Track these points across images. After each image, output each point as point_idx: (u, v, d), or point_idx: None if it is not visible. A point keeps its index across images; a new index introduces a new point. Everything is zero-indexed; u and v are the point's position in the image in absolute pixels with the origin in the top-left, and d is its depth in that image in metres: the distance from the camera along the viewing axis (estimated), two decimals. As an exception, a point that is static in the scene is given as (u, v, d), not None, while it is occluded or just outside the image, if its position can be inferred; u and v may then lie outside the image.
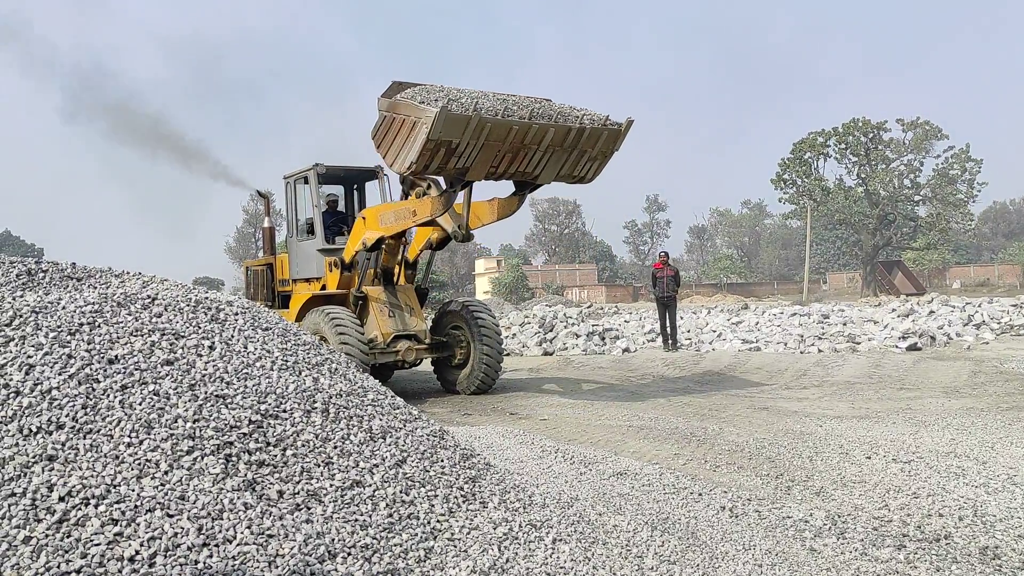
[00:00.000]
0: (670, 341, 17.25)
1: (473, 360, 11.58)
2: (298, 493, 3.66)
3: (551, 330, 20.20)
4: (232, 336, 4.74)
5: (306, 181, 12.37)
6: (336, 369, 5.03)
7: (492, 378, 11.59)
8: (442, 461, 4.56)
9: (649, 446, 7.63)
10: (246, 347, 4.68)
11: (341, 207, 13.42)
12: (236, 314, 5.06)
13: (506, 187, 9.99)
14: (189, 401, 3.94)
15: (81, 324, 4.24)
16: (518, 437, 8.08)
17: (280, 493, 3.61)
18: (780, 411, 9.62)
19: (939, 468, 6.58)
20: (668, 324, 17.34)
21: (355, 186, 13.65)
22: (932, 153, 54.06)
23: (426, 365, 13.32)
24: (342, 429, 4.33)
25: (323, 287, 11.89)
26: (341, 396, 4.65)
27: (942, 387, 11.46)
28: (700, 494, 5.85)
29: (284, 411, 4.22)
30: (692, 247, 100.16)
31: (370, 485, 3.97)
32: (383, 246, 11.23)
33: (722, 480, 6.34)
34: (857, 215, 55.26)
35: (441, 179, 9.99)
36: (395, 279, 12.01)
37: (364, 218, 11.21)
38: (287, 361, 4.76)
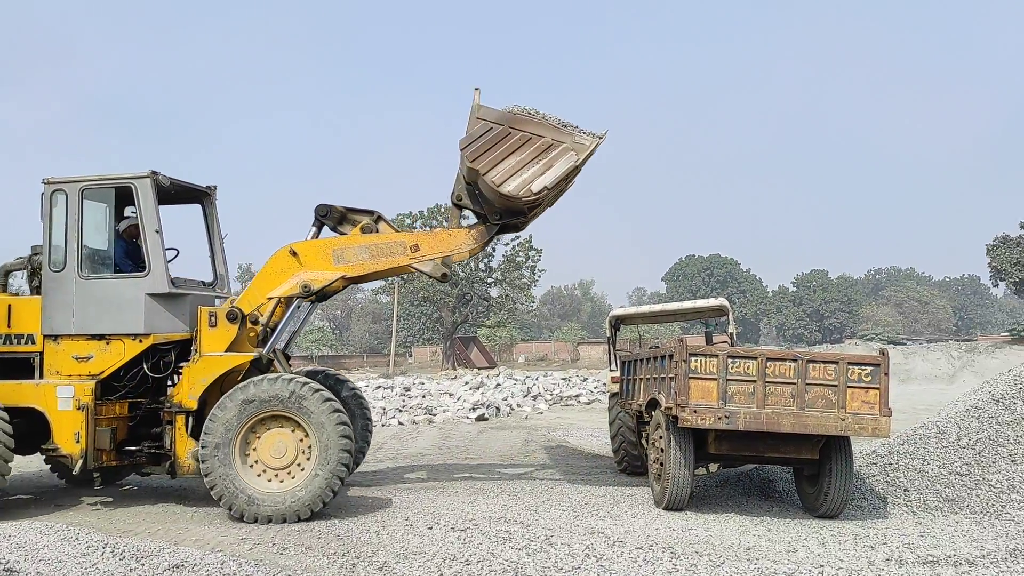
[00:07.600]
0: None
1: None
2: None
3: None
4: None
5: (122, 196, 8.80)
6: None
7: None
8: (-58, 574, 3.83)
9: (214, 532, 7.22)
10: None
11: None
12: None
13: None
14: None
15: None
16: (60, 533, 7.15)
17: None
18: (353, 485, 9.76)
19: (490, 534, 7.17)
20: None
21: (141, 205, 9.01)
22: (503, 241, 60.59)
23: None
24: None
25: (192, 347, 8.63)
26: None
27: (500, 455, 12.60)
28: (263, 581, 5.66)
29: None
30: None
31: None
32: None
33: (288, 563, 6.21)
34: (439, 293, 59.44)
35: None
36: None
37: (295, 252, 8.74)
38: None
